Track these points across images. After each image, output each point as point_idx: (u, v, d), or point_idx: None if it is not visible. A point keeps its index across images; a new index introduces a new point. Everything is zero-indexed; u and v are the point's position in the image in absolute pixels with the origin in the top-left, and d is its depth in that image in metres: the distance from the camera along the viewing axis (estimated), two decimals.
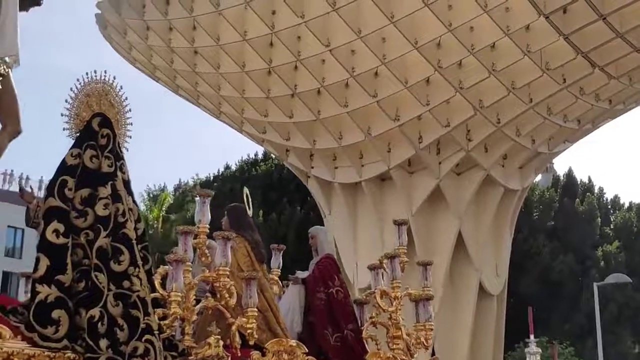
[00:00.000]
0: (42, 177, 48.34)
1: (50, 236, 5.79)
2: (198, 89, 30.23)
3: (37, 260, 5.71)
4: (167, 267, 6.57)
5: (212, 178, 44.99)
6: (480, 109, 26.19)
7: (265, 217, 38.09)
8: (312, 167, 30.24)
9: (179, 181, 51.23)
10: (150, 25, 28.86)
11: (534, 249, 38.70)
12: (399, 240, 8.73)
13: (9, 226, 45.79)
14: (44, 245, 5.78)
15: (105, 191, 6.08)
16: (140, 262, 6.01)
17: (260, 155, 43.71)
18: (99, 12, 30.71)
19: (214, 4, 26.25)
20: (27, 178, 43.57)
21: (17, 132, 6.27)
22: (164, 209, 45.09)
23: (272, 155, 37.15)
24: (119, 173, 6.27)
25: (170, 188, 50.10)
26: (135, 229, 6.24)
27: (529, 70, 25.09)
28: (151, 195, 48.48)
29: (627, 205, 45.59)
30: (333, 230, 29.49)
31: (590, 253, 40.34)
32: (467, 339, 27.69)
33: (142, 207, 40.21)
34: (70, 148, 6.26)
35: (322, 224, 31.39)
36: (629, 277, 30.21)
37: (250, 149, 65.66)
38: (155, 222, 43.76)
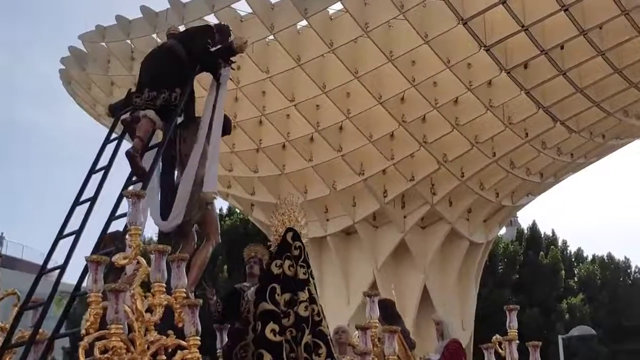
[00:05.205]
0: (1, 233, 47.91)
1: (269, 335, 7.11)
2: None
3: (260, 355, 7.04)
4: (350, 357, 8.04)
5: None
6: (444, 163, 26.37)
7: (230, 272, 37.76)
8: None
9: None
10: (114, 80, 28.80)
11: (499, 302, 38.66)
12: (510, 324, 9.28)
13: None
14: (264, 343, 7.10)
15: (304, 295, 7.40)
16: (336, 355, 7.44)
17: (225, 210, 43.48)
18: (63, 67, 30.61)
19: None
20: None
21: (218, 242, 8.18)
22: None
23: (236, 209, 37.00)
24: (310, 279, 7.61)
25: None
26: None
27: (492, 124, 25.37)
28: None
29: (590, 257, 45.84)
30: None
31: (555, 306, 40.41)
32: None
33: None
34: (273, 259, 7.67)
35: None
36: (594, 329, 30.26)
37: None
38: None
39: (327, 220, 28.77)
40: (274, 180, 28.49)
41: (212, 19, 25.41)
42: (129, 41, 27.68)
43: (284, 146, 27.58)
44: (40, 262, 7.63)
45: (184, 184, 7.92)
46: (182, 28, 27.06)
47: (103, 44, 28.40)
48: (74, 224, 7.55)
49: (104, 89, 29.28)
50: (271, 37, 25.03)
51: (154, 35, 26.87)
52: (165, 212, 7.94)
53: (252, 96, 26.40)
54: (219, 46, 8.45)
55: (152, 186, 7.87)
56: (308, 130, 26.69)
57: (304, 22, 24.70)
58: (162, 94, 7.88)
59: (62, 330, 6.90)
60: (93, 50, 28.68)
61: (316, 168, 27.31)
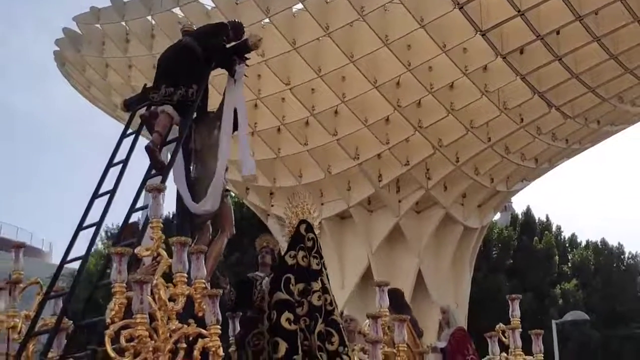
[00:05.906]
0: None
1: (284, 323, 7.33)
2: None
3: (276, 343, 7.26)
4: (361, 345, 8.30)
5: (171, 216, 44.59)
6: (439, 148, 26.36)
7: (226, 256, 37.81)
8: (272, 206, 30.11)
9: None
10: (109, 62, 28.72)
11: (493, 287, 38.80)
12: (513, 313, 9.54)
13: None
14: (279, 331, 7.33)
15: (317, 285, 7.63)
16: (347, 343, 7.66)
17: None
18: (57, 49, 30.49)
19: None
20: None
21: (232, 234, 8.35)
22: None
23: (232, 193, 37.00)
24: (323, 270, 7.82)
25: None
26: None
27: (487, 109, 25.36)
28: (109, 234, 47.97)
29: (584, 243, 45.93)
30: None
31: (549, 291, 40.52)
32: None
33: (101, 247, 39.56)
34: (287, 250, 7.81)
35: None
36: (587, 314, 30.40)
37: None
38: None
39: (322, 204, 28.69)
40: (269, 164, 28.46)
41: (207, 2, 25.40)
42: (123, 23, 27.60)
43: (279, 130, 27.53)
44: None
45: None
46: (176, 10, 27.06)
47: (98, 25, 28.31)
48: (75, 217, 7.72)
49: (99, 71, 29.19)
50: (267, 20, 24.95)
51: (149, 18, 26.82)
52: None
53: (247, 80, 25.97)
54: (233, 43, 8.67)
55: (179, 164, 8.12)
56: (303, 114, 26.65)
57: (299, 6, 24.64)
58: (179, 90, 8.06)
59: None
60: (88, 32, 28.57)
61: (311, 152, 27.28)
